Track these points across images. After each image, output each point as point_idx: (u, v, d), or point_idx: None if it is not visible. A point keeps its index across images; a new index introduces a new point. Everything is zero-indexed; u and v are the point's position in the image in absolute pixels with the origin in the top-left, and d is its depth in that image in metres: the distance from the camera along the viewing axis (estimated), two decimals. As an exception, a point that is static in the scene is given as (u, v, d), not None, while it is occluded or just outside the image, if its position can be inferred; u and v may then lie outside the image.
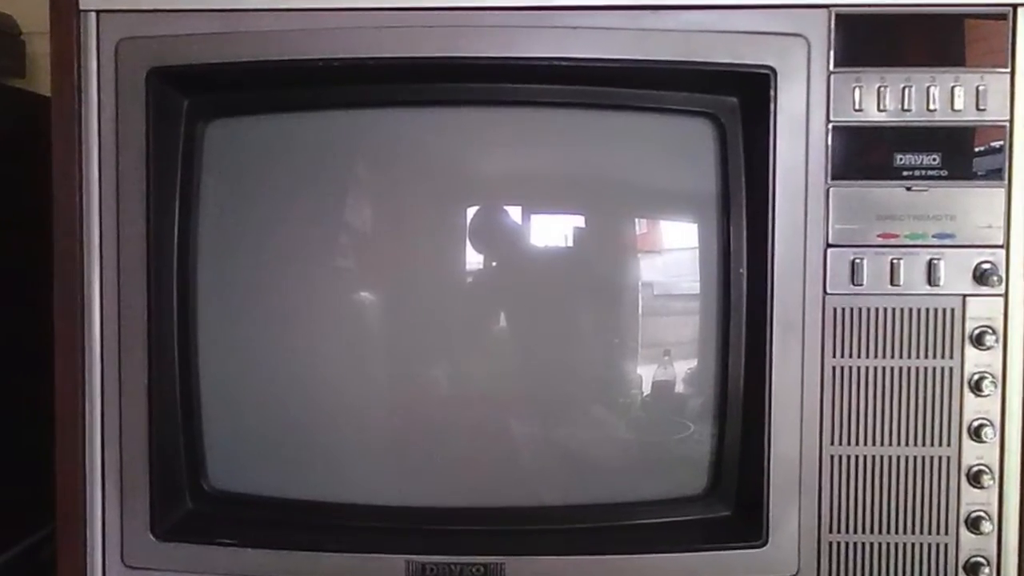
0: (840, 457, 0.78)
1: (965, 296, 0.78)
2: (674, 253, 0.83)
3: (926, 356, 0.77)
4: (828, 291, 0.78)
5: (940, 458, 0.78)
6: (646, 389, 0.82)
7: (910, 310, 0.78)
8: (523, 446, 0.83)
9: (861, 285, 0.78)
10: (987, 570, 0.78)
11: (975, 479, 0.78)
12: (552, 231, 0.84)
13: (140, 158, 0.78)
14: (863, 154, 0.77)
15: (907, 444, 0.78)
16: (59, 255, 0.79)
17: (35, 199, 0.82)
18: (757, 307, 0.78)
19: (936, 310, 0.77)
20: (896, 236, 0.77)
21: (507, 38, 0.76)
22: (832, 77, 0.77)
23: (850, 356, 0.77)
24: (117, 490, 0.80)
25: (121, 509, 0.80)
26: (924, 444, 0.78)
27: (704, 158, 0.80)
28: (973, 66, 0.76)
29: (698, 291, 0.82)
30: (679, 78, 0.78)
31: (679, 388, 0.82)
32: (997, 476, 0.78)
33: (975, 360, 0.77)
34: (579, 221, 0.84)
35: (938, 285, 0.77)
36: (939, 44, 0.77)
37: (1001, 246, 0.77)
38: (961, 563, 0.78)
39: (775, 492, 0.78)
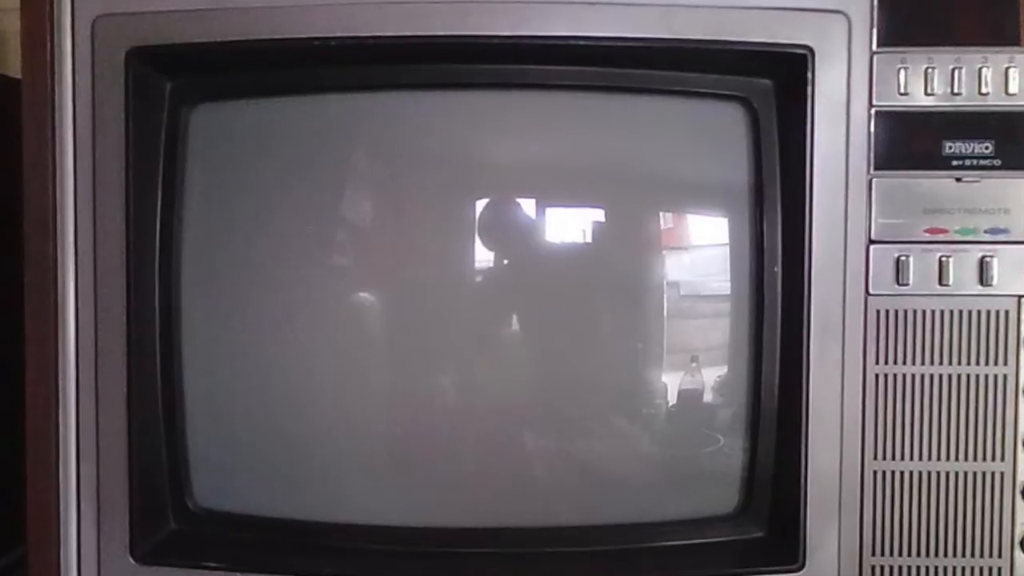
0: (884, 473, 0.77)
1: (1020, 297, 0.77)
2: (702, 250, 0.83)
3: (978, 362, 0.77)
4: (871, 292, 0.77)
5: (993, 474, 0.77)
6: (672, 399, 0.82)
7: (960, 312, 0.77)
8: (537, 461, 0.83)
9: (907, 285, 0.77)
10: (1043, 595, 0.78)
11: (1031, 497, 0.78)
12: (569, 226, 0.84)
13: (119, 146, 0.78)
14: (909, 142, 0.77)
15: (957, 459, 0.77)
16: (30, 253, 0.79)
17: (3, 192, 0.83)
18: (793, 309, 0.78)
19: (989, 312, 0.77)
20: (945, 232, 0.77)
21: (520, 15, 0.76)
22: (875, 57, 0.77)
23: (895, 362, 0.77)
24: (94, 509, 0.80)
25: (98, 530, 0.80)
26: (976, 459, 0.77)
27: (735, 146, 0.80)
28: (1030, 45, 0.77)
29: (729, 291, 0.82)
30: (708, 58, 0.78)
31: (708, 397, 0.82)
32: (1055, 493, 0.78)
33: (1032, 367, 0.77)
34: (598, 215, 0.84)
35: (991, 285, 0.77)
36: (992, 21, 0.76)
37: (1060, 242, 0.77)
38: (1015, 587, 0.78)
39: (813, 511, 0.77)
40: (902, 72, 0.76)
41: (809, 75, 0.75)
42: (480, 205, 0.82)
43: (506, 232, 0.83)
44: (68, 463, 0.79)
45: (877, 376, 0.77)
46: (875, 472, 0.77)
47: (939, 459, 0.77)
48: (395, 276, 0.84)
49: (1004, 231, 0.76)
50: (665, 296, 0.82)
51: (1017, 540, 0.77)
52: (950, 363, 0.77)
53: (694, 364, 0.82)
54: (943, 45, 0.76)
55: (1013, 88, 0.76)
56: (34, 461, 0.79)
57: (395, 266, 0.84)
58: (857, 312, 0.77)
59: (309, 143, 0.81)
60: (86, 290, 0.79)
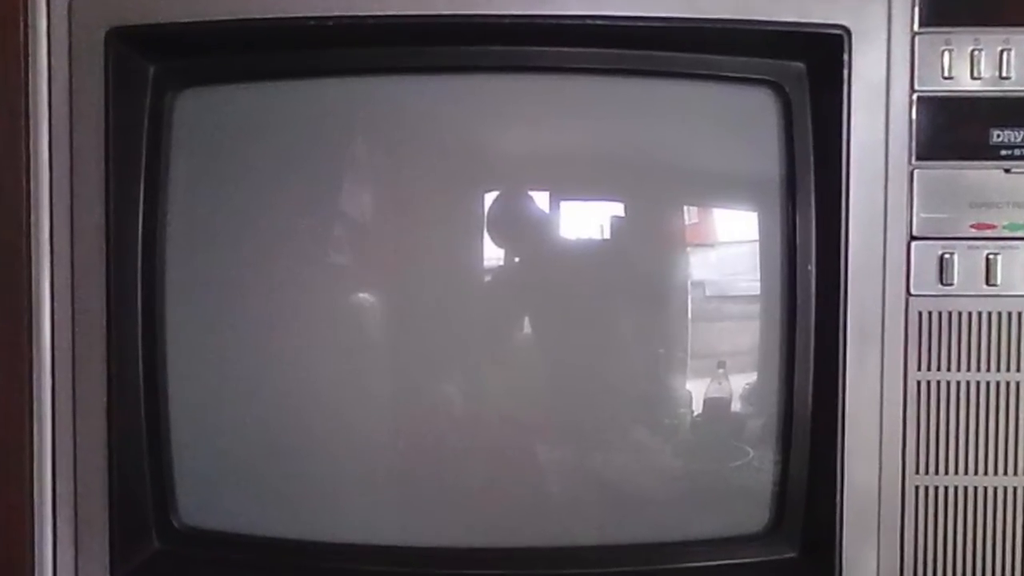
0: (926, 488, 0.77)
1: (1074, 298, 0.77)
2: (730, 247, 0.82)
3: (1028, 368, 0.77)
4: (912, 292, 0.76)
5: (1045, 489, 0.78)
6: (697, 408, 0.82)
7: (1009, 314, 0.76)
8: (551, 476, 0.83)
9: (951, 285, 0.76)
10: (1096, 621, 0.77)
11: (1086, 514, 0.77)
12: (585, 221, 0.83)
13: (98, 135, 0.77)
14: (953, 129, 0.76)
15: (1005, 473, 0.77)
16: (1, 250, 0.78)
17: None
18: (828, 311, 0.77)
19: (1040, 314, 0.77)
20: (993, 227, 0.76)
21: (533, -8, 0.76)
22: (917, 39, 0.76)
23: (938, 369, 0.76)
24: (71, 528, 0.79)
25: (76, 550, 0.79)
26: (1025, 473, 0.78)
27: (765, 134, 0.79)
28: (1086, 24, 0.76)
29: (758, 292, 0.81)
30: (736, 39, 0.77)
31: (736, 407, 0.82)
32: (1111, 511, 0.78)
33: (1087, 373, 0.77)
34: (617, 209, 0.83)
35: (1042, 284, 0.77)
36: (1045, -2, 0.76)
37: (1118, 238, 0.77)
38: (1067, 613, 0.78)
39: (849, 530, 0.77)
40: (946, 54, 0.75)
41: (845, 57, 0.75)
42: (489, 198, 0.81)
43: (517, 228, 0.82)
44: (43, 477, 0.79)
45: (919, 383, 0.76)
46: (917, 487, 0.77)
47: (986, 473, 0.76)
48: (397, 275, 0.84)
49: (1057, 226, 0.77)
50: (689, 297, 0.82)
51: (1070, 561, 0.76)
52: (998, 369, 0.76)
53: (721, 370, 0.81)
54: (991, 25, 0.75)
55: (1067, 72, 0.76)
56: (5, 475, 0.79)
57: (397, 264, 0.83)
58: (897, 314, 0.76)
59: (304, 131, 0.81)
60: (62, 290, 0.78)
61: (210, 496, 0.81)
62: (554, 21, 0.75)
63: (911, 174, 0.76)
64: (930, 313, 0.76)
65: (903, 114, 0.75)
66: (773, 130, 0.78)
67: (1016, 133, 0.75)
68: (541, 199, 0.82)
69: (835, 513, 0.76)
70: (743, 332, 0.82)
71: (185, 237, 0.80)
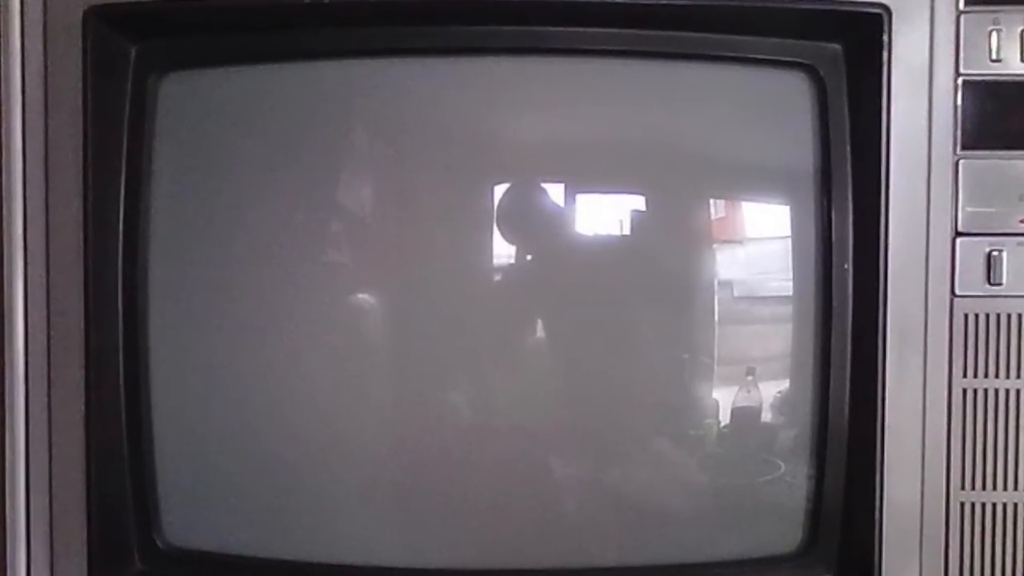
0: (972, 505, 0.76)
1: None
2: (760, 244, 0.82)
3: (1083, 376, 0.76)
4: (957, 292, 0.76)
5: (1101, 506, 0.77)
6: (724, 418, 0.81)
7: None
8: (567, 491, 0.82)
9: (1000, 285, 0.75)
10: None
11: None
12: (603, 215, 0.83)
13: (75, 123, 0.76)
14: (1002, 116, 0.75)
15: None
16: None
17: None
18: (866, 313, 0.76)
19: (1097, 317, 0.76)
20: None
21: (547, -33, 0.76)
22: (962, 18, 0.75)
23: (985, 376, 0.76)
24: (46, 548, 0.79)
25: (51, 572, 0.79)
26: (1081, 488, 0.77)
27: (798, 121, 0.79)
28: None
29: (790, 292, 0.81)
30: (768, 19, 0.77)
31: (767, 417, 0.81)
32: None
33: None
34: (638, 202, 0.83)
35: (1099, 285, 0.76)
36: (1103, -29, 0.76)
37: None
38: (1123, 639, 0.77)
39: (890, 549, 0.76)
40: (994, 35, 0.74)
41: (885, 38, 0.74)
42: (499, 191, 0.81)
43: (529, 223, 0.82)
44: (15, 494, 0.78)
45: (964, 391, 0.75)
46: (962, 504, 0.76)
47: (1037, 488, 0.75)
48: (399, 274, 0.83)
49: (1115, 222, 0.76)
50: (716, 298, 0.81)
51: None
52: (1050, 376, 0.75)
53: (750, 377, 0.81)
54: (1044, 3, 0.74)
55: (1126, 54, 0.75)
56: (-25, 493, 0.76)
57: (399, 263, 0.83)
58: (941, 317, 0.75)
59: (299, 119, 0.81)
60: (36, 291, 0.77)
61: (197, 513, 0.81)
62: (570, -2, 0.74)
63: (956, 165, 0.75)
64: (977, 315, 0.75)
65: (947, 100, 0.75)
66: (807, 117, 0.78)
67: (1071, 120, 0.74)
68: (555, 192, 0.82)
69: (874, 532, 0.75)
70: (774, 336, 0.82)
71: (170, 233, 0.79)
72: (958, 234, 0.75)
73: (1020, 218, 0.75)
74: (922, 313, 0.75)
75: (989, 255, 0.75)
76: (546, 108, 0.82)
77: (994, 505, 0.75)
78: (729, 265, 0.82)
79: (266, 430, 0.81)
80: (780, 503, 0.80)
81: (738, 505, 0.82)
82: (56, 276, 0.77)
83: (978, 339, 0.75)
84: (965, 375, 0.75)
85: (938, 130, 0.75)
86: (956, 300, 0.75)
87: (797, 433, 0.80)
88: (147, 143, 0.78)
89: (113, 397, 0.78)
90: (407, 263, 0.82)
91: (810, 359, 0.79)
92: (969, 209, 0.75)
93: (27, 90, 0.76)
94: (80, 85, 0.75)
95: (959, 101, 0.75)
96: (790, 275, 0.80)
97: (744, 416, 0.81)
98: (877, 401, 0.75)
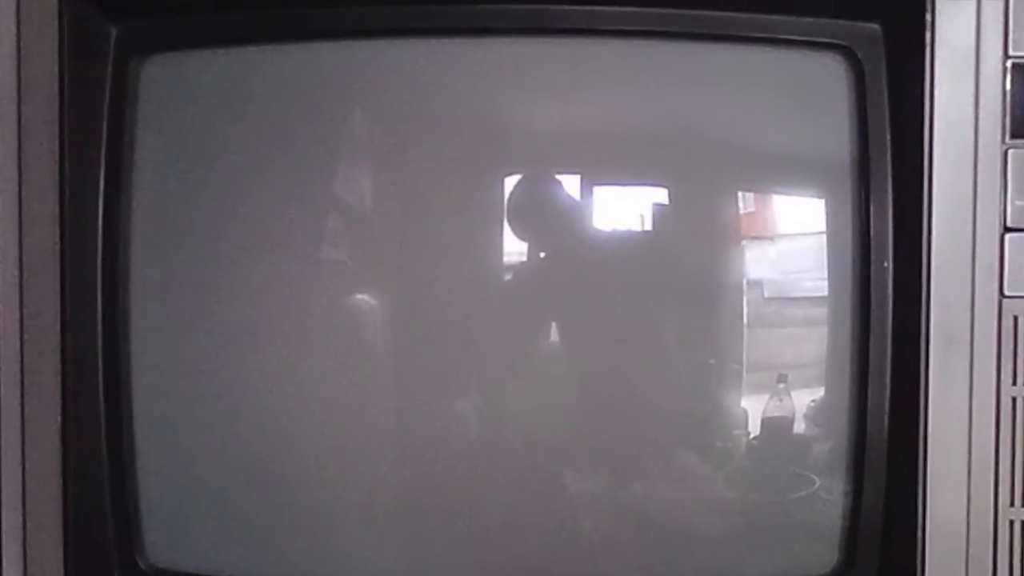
0: (1022, 523, 0.74)
1: None
2: (792, 240, 0.81)
3: None
4: (1006, 293, 0.74)
5: None
6: (754, 429, 0.81)
7: None
8: (583, 508, 0.81)
9: None
10: None
11: None
12: (622, 209, 0.82)
13: (51, 109, 0.75)
14: None
15: None
16: None
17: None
18: (908, 315, 0.75)
19: None
20: None
21: (560, -60, 0.76)
22: None
23: None
24: (19, 570, 0.78)
25: None
26: None
27: (834, 108, 0.78)
28: None
29: (825, 293, 0.80)
30: None
31: (800, 427, 0.81)
32: None
33: None
34: (660, 195, 0.82)
35: None
36: None
37: None
38: None
39: (933, 570, 0.75)
40: None
41: (928, 18, 0.73)
42: (509, 184, 0.80)
43: (542, 217, 0.81)
44: None
45: (1014, 400, 0.74)
46: (1011, 522, 0.74)
47: (1092, 505, 0.73)
48: (402, 273, 0.83)
49: None
50: (745, 299, 0.81)
51: None
52: (1106, 384, 0.72)
53: (782, 385, 0.80)
54: (1100, -21, 0.72)
55: None
56: (-57, 510, 0.74)
57: (402, 261, 0.82)
58: (989, 319, 0.74)
59: (293, 104, 0.80)
60: (9, 290, 0.76)
61: (182, 532, 0.80)
62: (586, -26, 0.73)
63: (1005, 154, 0.74)
64: (1027, 318, 0.72)
65: (995, 84, 0.73)
66: (843, 103, 0.78)
67: None
68: (570, 184, 0.81)
69: (915, 552, 0.75)
70: (808, 340, 0.82)
71: (153, 229, 0.79)
72: (1007, 230, 0.74)
73: (1074, 212, 0.71)
74: (968, 315, 0.74)
75: (1041, 253, 0.72)
76: (561, 93, 0.82)
77: (1046, 523, 0.72)
78: (759, 263, 0.81)
79: (258, 442, 0.80)
80: (814, 521, 0.80)
81: (769, 523, 0.81)
82: (29, 275, 0.76)
83: (1029, 343, 0.72)
84: (1014, 382, 0.74)
85: (985, 117, 0.73)
86: (1005, 301, 0.74)
87: (833, 445, 0.80)
88: (128, 131, 0.78)
89: (92, 406, 0.77)
90: (410, 261, 0.82)
91: (847, 365, 0.78)
92: (1019, 203, 0.74)
93: (-1, 74, 0.74)
94: (56, 69, 0.75)
95: (1008, 86, 0.73)
96: (825, 274, 0.80)
97: (775, 427, 0.80)
98: (919, 410, 0.74)
